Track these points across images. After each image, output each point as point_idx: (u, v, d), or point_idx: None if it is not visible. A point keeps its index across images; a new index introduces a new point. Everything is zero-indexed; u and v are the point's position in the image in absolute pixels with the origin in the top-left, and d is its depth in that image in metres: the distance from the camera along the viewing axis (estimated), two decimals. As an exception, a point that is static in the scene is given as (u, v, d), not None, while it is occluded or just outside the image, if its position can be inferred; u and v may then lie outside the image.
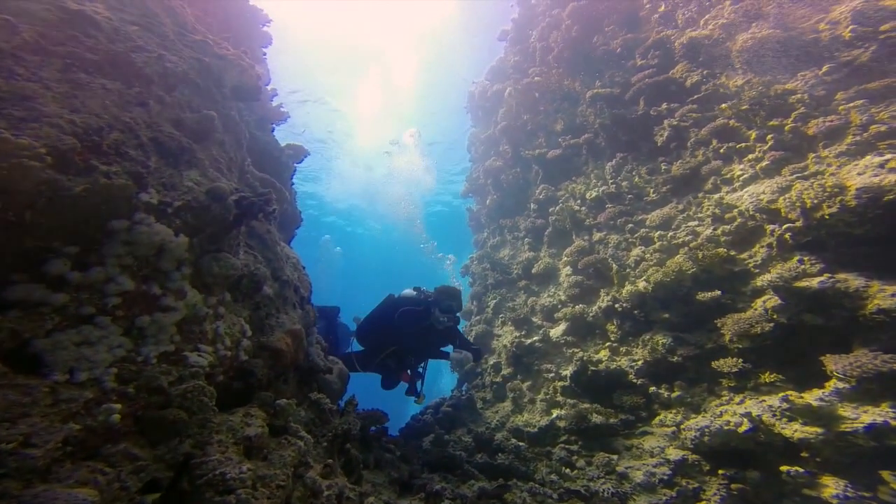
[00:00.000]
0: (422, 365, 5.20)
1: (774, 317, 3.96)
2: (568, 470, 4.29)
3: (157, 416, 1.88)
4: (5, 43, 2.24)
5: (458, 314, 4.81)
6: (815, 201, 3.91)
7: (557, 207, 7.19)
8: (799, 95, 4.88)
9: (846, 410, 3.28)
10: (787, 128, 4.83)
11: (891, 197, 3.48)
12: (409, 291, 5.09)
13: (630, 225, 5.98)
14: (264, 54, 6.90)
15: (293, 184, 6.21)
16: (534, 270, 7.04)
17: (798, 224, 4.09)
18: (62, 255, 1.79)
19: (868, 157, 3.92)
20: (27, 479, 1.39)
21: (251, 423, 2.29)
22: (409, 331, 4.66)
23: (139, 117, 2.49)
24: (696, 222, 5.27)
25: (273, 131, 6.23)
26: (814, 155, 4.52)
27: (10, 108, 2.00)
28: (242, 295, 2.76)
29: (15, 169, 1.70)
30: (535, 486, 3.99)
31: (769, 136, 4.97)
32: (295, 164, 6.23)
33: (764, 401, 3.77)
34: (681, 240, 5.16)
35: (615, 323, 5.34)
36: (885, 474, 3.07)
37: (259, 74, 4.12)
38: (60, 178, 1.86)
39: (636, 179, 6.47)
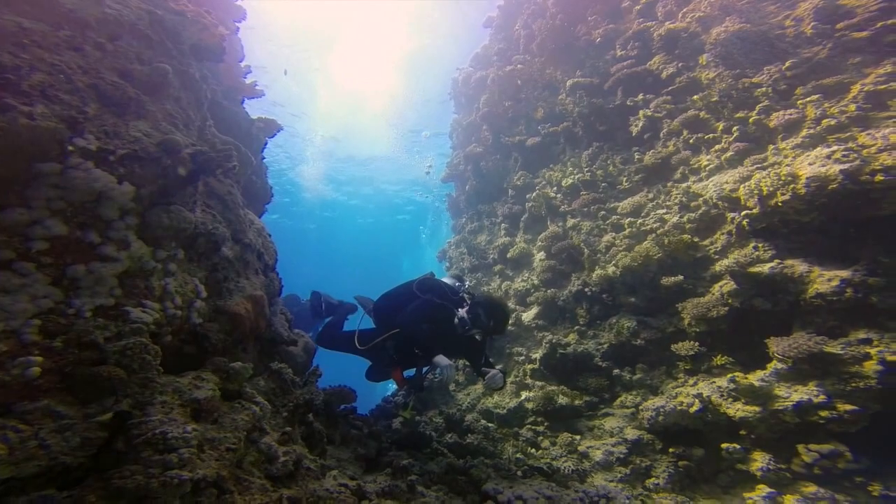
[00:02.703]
0: (426, 370, 3.87)
1: (729, 301, 4.12)
2: (533, 450, 4.36)
3: (89, 373, 1.74)
4: None
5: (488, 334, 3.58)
6: (771, 189, 4.08)
7: (534, 194, 7.24)
8: (764, 89, 5.06)
9: (781, 390, 3.49)
10: (751, 120, 5.01)
11: (834, 186, 3.65)
12: (448, 280, 4.11)
13: (602, 212, 6.08)
14: (237, 29, 6.58)
15: (263, 158, 5.98)
16: (509, 255, 7.07)
17: (755, 211, 4.25)
18: None
19: (818, 149, 4.11)
20: None
21: (201, 385, 2.18)
22: (419, 311, 3.56)
23: (72, 62, 2.29)
24: (664, 210, 5.40)
25: (243, 103, 5.96)
26: (773, 147, 4.71)
27: None
28: (198, 255, 2.62)
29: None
30: (501, 463, 4.02)
31: (735, 128, 5.15)
32: (267, 138, 5.99)
33: (714, 382, 3.95)
34: (649, 226, 5.28)
35: (584, 307, 5.43)
36: (800, 447, 3.30)
37: (223, 35, 3.90)
38: None
39: (610, 168, 6.57)
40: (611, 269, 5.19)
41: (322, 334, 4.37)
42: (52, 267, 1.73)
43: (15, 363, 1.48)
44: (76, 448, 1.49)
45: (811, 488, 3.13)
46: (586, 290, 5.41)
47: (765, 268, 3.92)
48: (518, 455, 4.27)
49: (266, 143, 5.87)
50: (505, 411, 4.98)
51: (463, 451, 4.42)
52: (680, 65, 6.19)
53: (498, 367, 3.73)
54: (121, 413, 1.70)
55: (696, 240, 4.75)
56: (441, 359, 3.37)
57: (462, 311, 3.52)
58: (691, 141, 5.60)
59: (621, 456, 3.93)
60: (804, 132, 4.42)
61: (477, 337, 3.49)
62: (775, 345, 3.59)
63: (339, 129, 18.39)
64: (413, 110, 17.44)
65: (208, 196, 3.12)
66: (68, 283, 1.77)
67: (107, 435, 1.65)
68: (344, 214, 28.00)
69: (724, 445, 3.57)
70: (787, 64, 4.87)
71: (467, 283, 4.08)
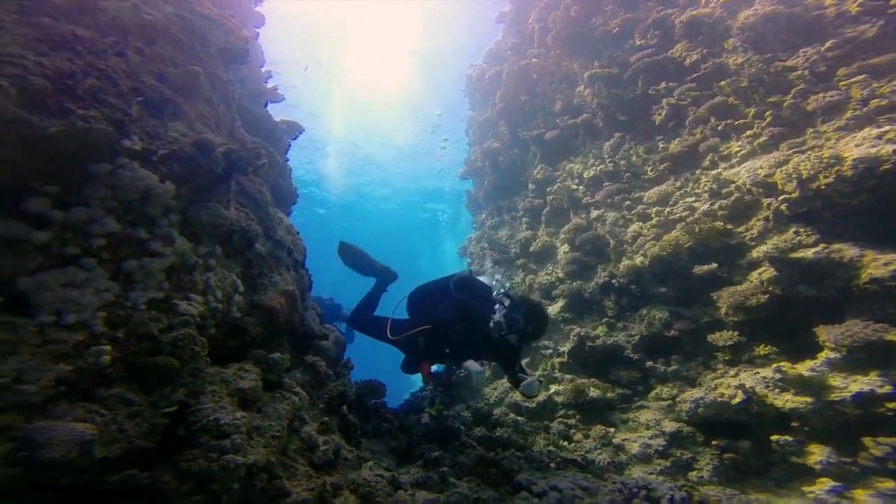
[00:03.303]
0: (454, 367, 3.76)
1: (770, 288, 3.96)
2: (565, 442, 4.31)
3: (148, 363, 1.81)
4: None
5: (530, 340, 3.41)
6: (812, 172, 3.91)
7: (555, 187, 7.15)
8: (800, 72, 4.87)
9: (836, 380, 3.31)
10: (786, 104, 4.83)
11: (887, 167, 3.47)
12: (486, 279, 3.97)
13: (627, 202, 5.96)
14: (257, 34, 6.72)
15: (288, 159, 6.10)
16: (532, 249, 7.02)
17: (794, 195, 4.09)
18: (41, 194, 1.71)
19: (866, 130, 3.91)
20: (26, 413, 1.34)
21: (245, 376, 2.23)
22: (453, 311, 3.45)
23: (117, 66, 2.38)
24: (693, 198, 5.25)
25: (266, 106, 6.09)
26: (812, 130, 4.52)
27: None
28: (234, 251, 2.69)
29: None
30: (533, 455, 3.99)
31: (767, 113, 4.97)
32: (290, 140, 6.10)
33: (758, 373, 3.79)
34: (678, 215, 5.14)
35: (612, 299, 5.33)
36: (867, 440, 3.12)
37: (247, 37, 3.99)
38: (32, 118, 1.76)
39: (634, 158, 6.43)
40: (639, 260, 5.08)
41: (355, 313, 4.16)
42: (110, 262, 1.80)
43: (89, 352, 1.55)
44: (147, 433, 1.56)
45: (888, 483, 2.94)
46: (613, 281, 5.31)
47: (808, 253, 3.75)
48: (550, 448, 4.22)
49: (290, 145, 5.98)
50: (534, 405, 4.94)
51: (492, 444, 4.39)
52: (705, 51, 6.02)
53: (532, 379, 3.42)
54: (181, 402, 1.75)
55: (729, 227, 4.60)
56: (472, 364, 3.26)
57: (498, 315, 3.33)
58: (720, 128, 5.43)
59: (660, 448, 3.84)
60: (848, 114, 4.23)
61: (513, 341, 3.32)
62: (826, 333, 3.43)
63: (356, 124, 18.63)
64: (426, 106, 17.49)
65: (240, 195, 3.20)
66: (124, 277, 1.84)
67: (169, 421, 1.71)
68: (365, 208, 28.11)
69: (774, 438, 3.43)
70: (828, 45, 4.66)
71: (507, 284, 3.83)
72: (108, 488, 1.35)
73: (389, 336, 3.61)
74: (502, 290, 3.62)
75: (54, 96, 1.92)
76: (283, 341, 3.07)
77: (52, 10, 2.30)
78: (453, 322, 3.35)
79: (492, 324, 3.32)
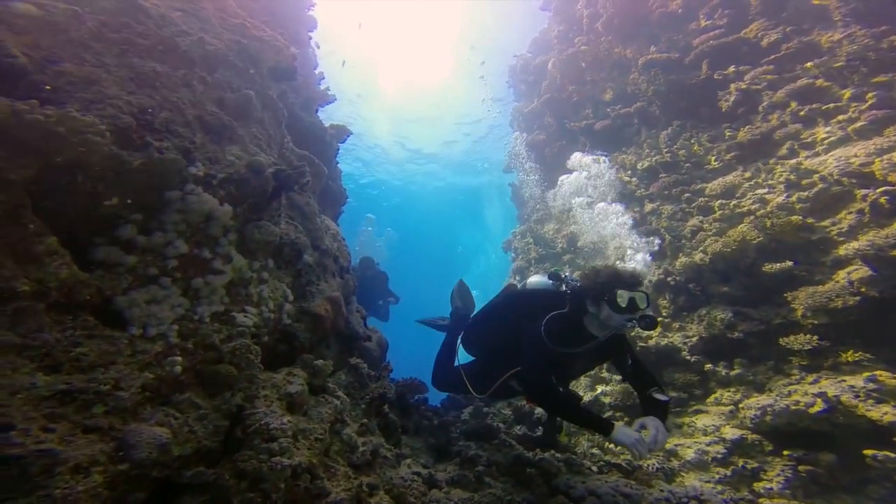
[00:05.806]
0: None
1: (862, 290, 3.49)
2: (611, 445, 4.16)
3: (213, 370, 2.05)
4: (75, 32, 2.47)
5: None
6: (927, 160, 3.35)
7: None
8: None
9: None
10: None
11: None
12: (539, 280, 3.25)
13: (687, 194, 5.50)
14: (310, 38, 7.04)
15: (337, 163, 6.42)
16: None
17: (900, 187, 3.53)
18: (130, 221, 2.00)
19: None
20: (123, 416, 1.59)
21: (293, 381, 2.44)
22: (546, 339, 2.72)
23: (185, 97, 2.66)
24: (765, 190, 4.72)
25: (317, 111, 6.42)
26: None
27: (82, 92, 2.23)
28: (285, 262, 2.93)
29: (85, 144, 1.89)
30: (574, 458, 3.91)
31: (870, 95, 4.35)
32: (338, 144, 6.42)
33: (844, 381, 3.39)
34: (746, 208, 4.67)
35: (667, 297, 5.00)
36: None
37: (294, 55, 4.22)
38: (122, 153, 2.05)
39: (695, 147, 5.90)
40: (698, 257, 4.70)
41: (435, 374, 3.84)
42: (181, 280, 2.06)
43: (167, 361, 1.81)
44: (211, 434, 1.79)
45: None
46: (669, 279, 4.97)
47: (919, 251, 3.24)
48: (594, 450, 4.11)
49: (339, 149, 6.28)
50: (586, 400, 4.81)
51: (533, 443, 4.37)
52: (788, 29, 5.35)
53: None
54: (238, 405, 1.98)
55: (809, 221, 4.10)
56: (621, 435, 2.47)
57: (598, 310, 2.61)
58: (802, 113, 4.83)
59: (718, 456, 3.55)
60: None
61: (628, 325, 2.56)
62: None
63: (399, 117, 19.01)
64: (471, 102, 17.33)
65: (290, 208, 3.45)
66: (192, 293, 2.10)
67: (228, 423, 1.94)
68: (412, 195, 28.56)
69: (868, 452, 3.06)
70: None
71: (565, 273, 3.17)
72: (185, 482, 1.59)
73: (476, 395, 3.17)
74: (565, 282, 2.97)
75: (137, 131, 2.22)
76: (331, 344, 3.29)
77: (141, 51, 2.64)
78: (548, 356, 2.73)
79: (609, 325, 2.59)
